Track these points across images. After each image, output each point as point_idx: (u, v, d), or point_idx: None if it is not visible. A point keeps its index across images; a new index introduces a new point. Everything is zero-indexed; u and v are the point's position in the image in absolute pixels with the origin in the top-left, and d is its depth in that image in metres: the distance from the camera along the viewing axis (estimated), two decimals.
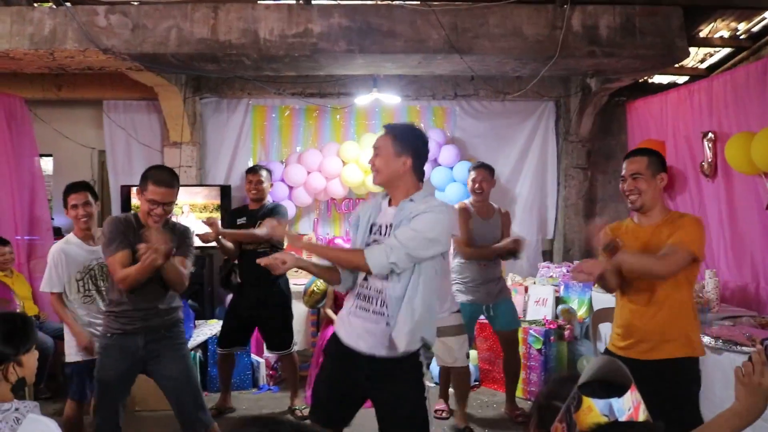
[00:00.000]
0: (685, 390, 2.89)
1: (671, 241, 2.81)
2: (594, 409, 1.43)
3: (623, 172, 3.00)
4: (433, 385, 5.30)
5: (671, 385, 2.85)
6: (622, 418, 1.44)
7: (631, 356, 2.84)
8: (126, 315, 3.21)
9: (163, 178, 3.21)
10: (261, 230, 4.38)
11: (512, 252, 4.54)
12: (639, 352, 2.89)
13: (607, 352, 3.14)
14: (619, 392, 1.47)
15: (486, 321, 4.89)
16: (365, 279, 2.73)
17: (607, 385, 1.48)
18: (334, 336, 2.84)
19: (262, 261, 2.69)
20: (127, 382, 3.28)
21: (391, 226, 2.68)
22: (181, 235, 3.36)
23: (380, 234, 2.72)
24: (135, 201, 6.08)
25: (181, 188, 6.23)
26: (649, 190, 2.93)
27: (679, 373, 2.89)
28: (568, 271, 5.86)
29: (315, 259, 3.07)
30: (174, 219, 5.83)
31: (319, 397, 2.93)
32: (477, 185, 4.60)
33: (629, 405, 1.48)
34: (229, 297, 5.37)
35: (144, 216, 3.19)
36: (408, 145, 2.70)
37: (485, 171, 4.65)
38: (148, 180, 3.17)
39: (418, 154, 2.73)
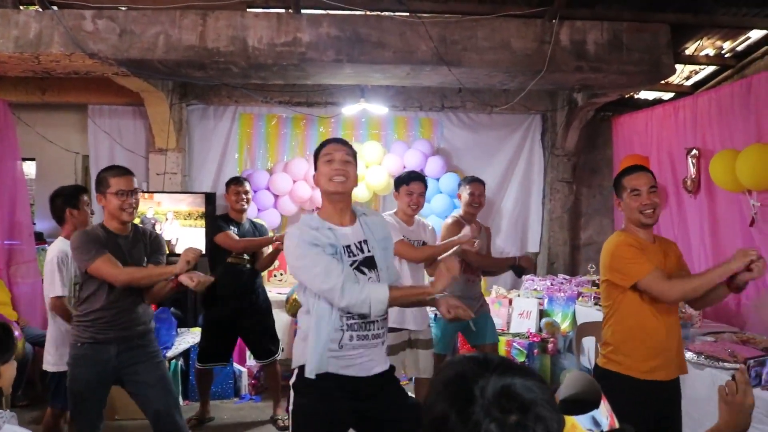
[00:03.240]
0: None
1: (685, 269, 2.99)
2: (578, 427, 1.43)
3: (636, 186, 2.88)
4: None
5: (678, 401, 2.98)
6: (605, 429, 1.45)
7: (660, 378, 2.84)
8: (99, 324, 3.14)
9: (121, 169, 3.26)
10: None
11: (520, 268, 4.54)
12: (668, 372, 2.87)
13: (632, 380, 2.85)
14: (594, 405, 1.48)
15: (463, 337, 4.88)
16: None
17: (581, 401, 1.49)
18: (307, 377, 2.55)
19: None
20: (100, 393, 3.22)
21: (364, 242, 2.63)
22: (153, 242, 3.34)
23: (353, 254, 2.59)
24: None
25: (165, 195, 6.25)
26: (660, 204, 2.98)
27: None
28: (552, 284, 5.88)
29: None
30: (158, 226, 5.85)
31: None
32: (476, 199, 4.53)
33: (606, 414, 1.50)
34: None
35: (117, 213, 3.15)
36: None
37: (482, 185, 4.62)
38: (107, 176, 3.18)
39: None
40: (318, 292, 2.51)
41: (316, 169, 2.68)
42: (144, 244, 3.27)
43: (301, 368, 2.58)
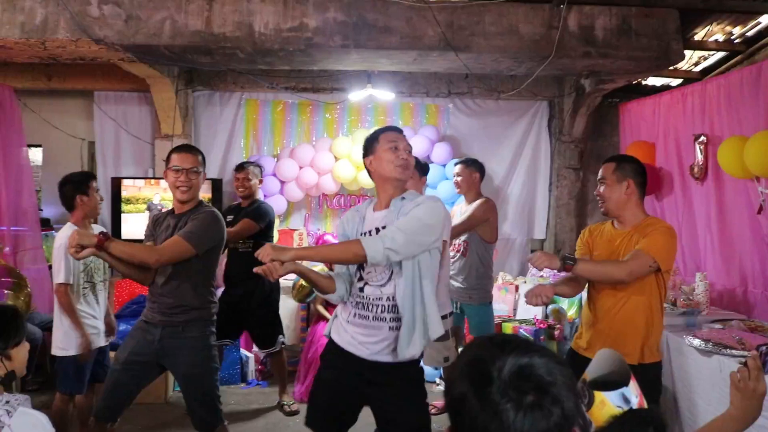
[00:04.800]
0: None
1: (637, 246, 2.88)
2: (607, 403, 1.43)
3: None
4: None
5: None
6: (635, 407, 1.45)
7: (590, 356, 2.86)
8: (149, 305, 3.29)
9: (182, 146, 3.38)
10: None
11: None
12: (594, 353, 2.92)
13: (571, 351, 3.22)
14: (624, 383, 1.49)
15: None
16: (361, 289, 2.72)
17: (610, 381, 1.49)
18: (332, 342, 2.85)
19: (257, 270, 2.52)
20: (135, 368, 3.22)
21: (384, 228, 2.67)
22: (194, 217, 3.24)
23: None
24: (125, 193, 6.04)
25: None
26: (612, 196, 3.02)
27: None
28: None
29: (311, 265, 3.03)
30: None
31: (318, 403, 2.87)
32: (455, 181, 4.83)
33: (636, 393, 1.50)
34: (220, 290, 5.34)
35: (172, 190, 3.26)
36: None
37: (462, 166, 4.79)
38: (171, 152, 3.30)
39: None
40: None
41: (372, 153, 2.77)
42: (186, 221, 3.22)
43: (327, 342, 2.89)
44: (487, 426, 1.04)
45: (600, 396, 1.44)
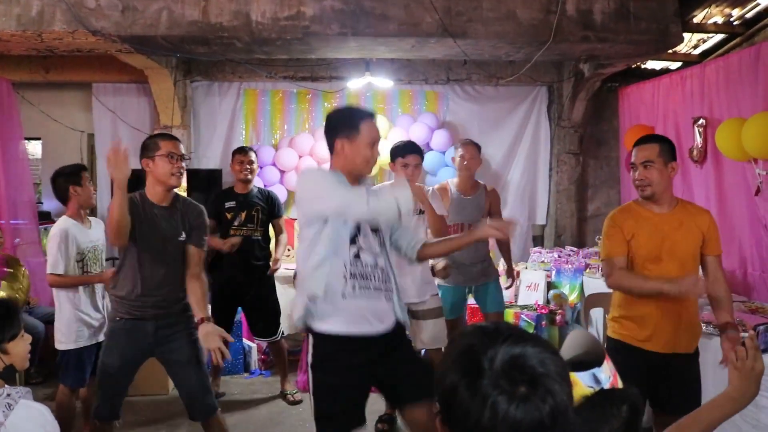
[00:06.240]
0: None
1: (714, 254, 2.91)
2: (579, 383, 1.44)
3: (633, 159, 2.91)
4: None
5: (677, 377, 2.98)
6: (606, 386, 1.46)
7: (649, 348, 2.88)
8: (137, 302, 3.13)
9: (167, 134, 3.34)
10: None
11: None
12: (657, 345, 2.90)
13: (625, 347, 2.95)
14: (597, 364, 1.50)
15: (476, 305, 4.86)
16: (356, 256, 2.57)
17: (584, 361, 1.50)
18: (326, 339, 2.57)
19: None
20: (131, 369, 3.22)
21: None
22: (194, 216, 3.23)
23: None
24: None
25: None
26: (662, 180, 2.84)
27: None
28: (559, 257, 5.88)
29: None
30: None
31: (335, 413, 2.57)
32: (466, 162, 4.50)
33: (609, 373, 1.51)
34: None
35: (165, 177, 3.12)
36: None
37: (474, 148, 4.57)
38: (157, 139, 3.18)
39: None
40: (340, 204, 2.48)
41: (347, 138, 2.67)
42: (182, 214, 3.19)
43: (315, 346, 2.61)
44: (479, 417, 1.03)
45: (572, 376, 1.45)
